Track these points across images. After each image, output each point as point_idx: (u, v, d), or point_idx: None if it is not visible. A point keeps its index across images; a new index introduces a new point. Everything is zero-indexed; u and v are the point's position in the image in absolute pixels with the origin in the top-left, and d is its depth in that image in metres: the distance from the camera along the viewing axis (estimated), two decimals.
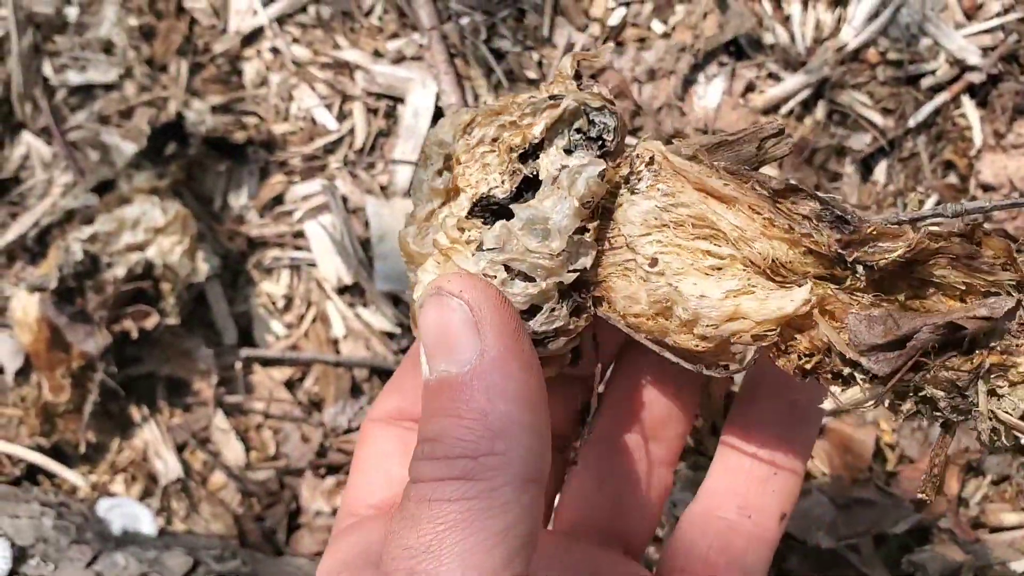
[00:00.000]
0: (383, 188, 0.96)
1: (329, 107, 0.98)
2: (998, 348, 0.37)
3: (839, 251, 0.38)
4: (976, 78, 0.90)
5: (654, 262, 0.41)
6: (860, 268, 0.38)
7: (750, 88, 0.93)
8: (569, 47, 0.94)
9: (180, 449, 0.93)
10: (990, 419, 0.37)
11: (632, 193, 0.42)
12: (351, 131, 0.97)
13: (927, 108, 0.91)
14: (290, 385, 0.95)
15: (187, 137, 0.94)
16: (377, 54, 0.97)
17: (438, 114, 0.95)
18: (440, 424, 0.37)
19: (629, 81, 0.93)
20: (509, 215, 0.41)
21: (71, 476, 0.92)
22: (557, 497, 0.55)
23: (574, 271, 0.41)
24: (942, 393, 0.38)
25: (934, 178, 0.91)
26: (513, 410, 0.36)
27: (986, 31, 0.91)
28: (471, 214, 0.41)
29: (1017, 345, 0.37)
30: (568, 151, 0.42)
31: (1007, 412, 0.37)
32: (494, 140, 0.43)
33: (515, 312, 0.40)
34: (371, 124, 0.97)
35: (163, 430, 0.93)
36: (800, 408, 0.50)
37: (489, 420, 0.36)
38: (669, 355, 0.42)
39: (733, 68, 0.93)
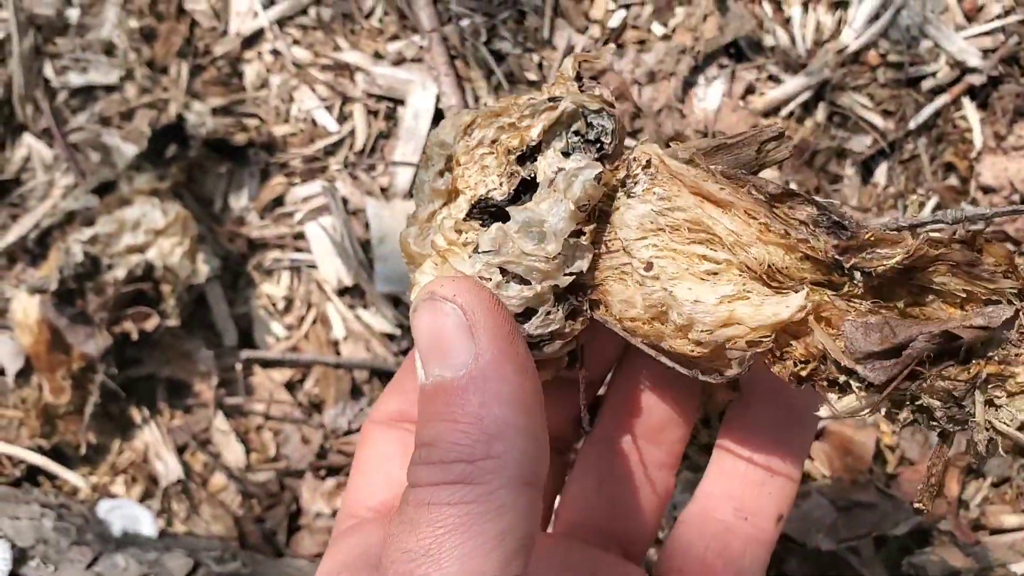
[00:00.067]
0: (383, 190, 0.96)
1: (329, 109, 0.98)
2: (996, 358, 0.37)
3: (836, 257, 0.38)
4: (976, 80, 0.90)
5: (649, 266, 0.41)
6: (858, 275, 0.38)
7: (750, 90, 0.93)
8: (569, 49, 0.94)
9: (180, 451, 0.94)
10: (987, 430, 0.37)
11: (628, 196, 0.42)
12: (351, 133, 0.97)
13: (928, 110, 0.91)
14: (290, 387, 0.95)
15: (188, 139, 0.94)
16: (377, 56, 0.97)
17: (438, 116, 0.95)
18: (436, 429, 0.37)
19: (629, 83, 0.93)
20: (507, 217, 0.41)
21: (71, 477, 0.92)
22: (557, 499, 0.55)
23: (570, 274, 0.41)
24: (938, 403, 0.38)
25: (935, 180, 0.91)
26: (509, 414, 0.36)
27: (986, 33, 0.91)
28: (469, 216, 0.41)
29: (1016, 355, 0.37)
30: (566, 153, 0.41)
31: (1004, 423, 0.37)
32: (493, 142, 0.43)
33: (509, 315, 0.39)
34: (371, 126, 0.97)
35: (163, 432, 0.93)
36: (796, 411, 0.50)
37: (485, 424, 0.36)
38: (665, 360, 0.42)
39: (733, 70, 0.93)
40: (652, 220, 0.41)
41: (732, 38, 0.92)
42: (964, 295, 0.38)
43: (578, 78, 0.44)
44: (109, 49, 0.99)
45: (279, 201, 0.98)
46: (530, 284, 0.40)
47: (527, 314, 0.41)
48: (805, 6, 0.93)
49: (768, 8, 0.94)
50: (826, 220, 0.39)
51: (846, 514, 0.82)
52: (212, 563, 0.80)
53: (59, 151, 0.97)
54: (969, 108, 0.91)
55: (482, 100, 0.94)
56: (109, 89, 0.99)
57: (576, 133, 0.42)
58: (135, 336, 0.89)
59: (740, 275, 0.40)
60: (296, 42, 0.99)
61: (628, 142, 0.47)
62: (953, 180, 0.91)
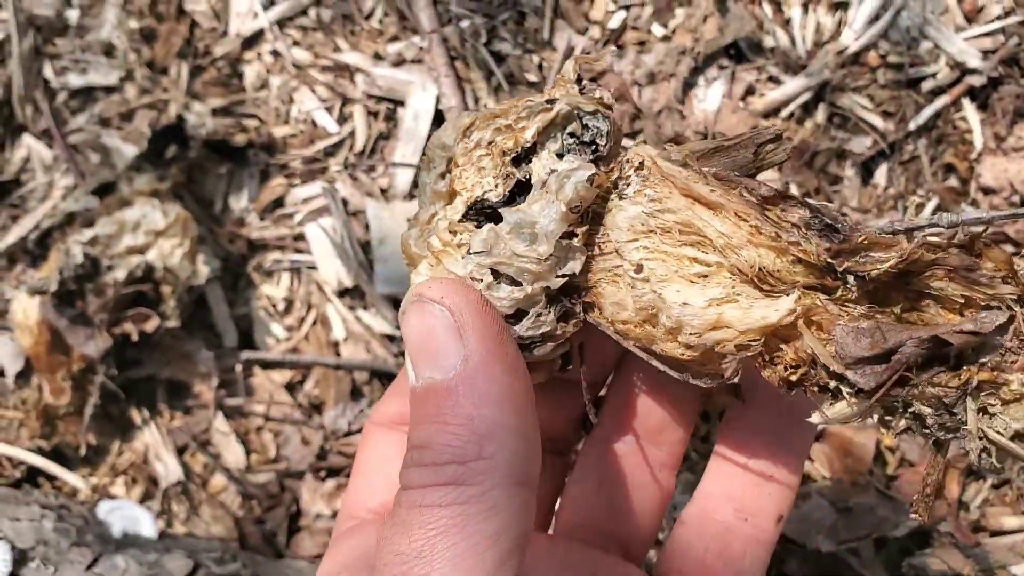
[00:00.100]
0: (383, 191, 0.96)
1: (329, 110, 0.98)
2: (988, 364, 0.36)
3: (828, 260, 0.37)
4: (977, 81, 0.90)
5: (639, 268, 0.40)
6: (851, 279, 0.37)
7: (750, 91, 0.93)
8: (569, 50, 0.94)
9: (180, 452, 0.94)
10: (980, 438, 0.36)
11: (620, 198, 0.41)
12: (351, 134, 0.97)
13: (928, 111, 0.91)
14: (290, 388, 0.95)
15: (188, 140, 0.94)
16: (377, 57, 0.97)
17: (438, 117, 0.95)
18: (428, 431, 0.37)
19: (629, 84, 0.93)
20: (502, 219, 0.41)
21: (71, 478, 0.92)
22: (558, 501, 0.55)
23: (562, 276, 0.41)
24: (929, 410, 0.37)
25: (935, 181, 0.91)
26: (499, 414, 0.36)
27: (986, 34, 0.91)
28: (465, 217, 0.41)
29: (1009, 362, 0.36)
30: (561, 155, 0.41)
31: (998, 432, 0.36)
32: (490, 143, 0.42)
33: (498, 316, 0.39)
34: (371, 127, 0.97)
35: (163, 433, 0.93)
36: (796, 412, 0.50)
37: (476, 425, 0.36)
38: (657, 363, 0.42)
39: (733, 71, 0.93)
40: (643, 222, 0.41)
41: (732, 39, 0.92)
42: (962, 301, 0.37)
43: (579, 80, 0.44)
44: (109, 50, 0.99)
45: (279, 202, 0.98)
46: (521, 285, 0.40)
47: (518, 315, 0.41)
48: (805, 7, 0.93)
49: (768, 9, 0.94)
50: (818, 223, 0.38)
51: (846, 515, 0.82)
52: (212, 564, 0.80)
53: (59, 152, 0.97)
54: (969, 109, 0.91)
55: (482, 101, 0.94)
56: (109, 90, 0.99)
57: (571, 135, 0.42)
58: (135, 337, 0.89)
59: (731, 278, 0.39)
60: (296, 43, 0.99)
61: (628, 143, 0.47)
62: (953, 181, 0.91)
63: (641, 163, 0.41)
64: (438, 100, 0.95)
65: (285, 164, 0.97)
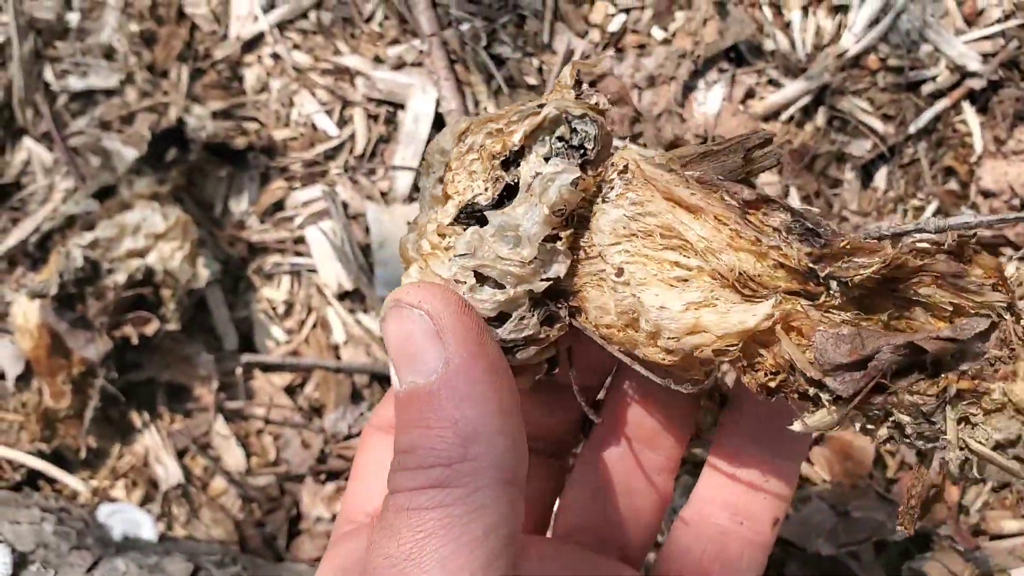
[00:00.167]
0: (383, 194, 0.96)
1: (329, 113, 0.98)
2: (969, 373, 0.35)
3: (810, 265, 0.37)
4: (976, 84, 0.90)
5: (620, 272, 0.40)
6: (834, 284, 0.37)
7: (750, 94, 0.93)
8: (569, 53, 0.94)
9: (181, 455, 0.94)
10: (960, 448, 0.35)
11: (604, 202, 0.41)
12: (351, 137, 0.97)
13: (927, 114, 0.91)
14: (291, 391, 0.95)
15: (188, 143, 0.94)
16: (378, 60, 0.97)
17: (438, 120, 0.95)
18: (412, 435, 0.37)
19: (629, 87, 0.93)
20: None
21: (72, 481, 0.92)
22: (556, 504, 0.55)
23: (546, 279, 0.41)
24: (908, 418, 0.36)
25: (935, 184, 0.91)
26: (483, 415, 0.36)
27: (986, 37, 0.91)
28: (456, 220, 0.41)
29: (991, 371, 0.35)
30: (549, 159, 0.41)
31: (979, 442, 0.35)
32: (480, 147, 0.43)
33: (478, 317, 0.39)
34: (371, 130, 0.97)
35: (164, 436, 0.93)
36: (792, 414, 0.50)
37: (459, 427, 0.36)
38: (640, 368, 0.42)
39: (733, 74, 0.93)
40: (625, 225, 0.40)
41: (732, 42, 0.92)
42: (950, 308, 0.36)
43: (577, 85, 0.44)
44: (109, 53, 0.99)
45: (279, 205, 0.98)
46: (504, 288, 0.40)
47: (501, 318, 0.41)
48: (805, 10, 0.93)
49: (768, 12, 0.94)
50: (799, 227, 0.37)
51: (846, 519, 0.82)
52: (212, 567, 0.80)
53: (59, 155, 0.98)
54: (969, 112, 0.91)
55: (482, 104, 0.94)
56: (109, 93, 0.99)
57: (560, 139, 0.42)
58: (135, 340, 0.89)
59: (711, 282, 0.39)
60: (296, 46, 0.99)
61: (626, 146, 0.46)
62: (953, 184, 0.91)
63: (625, 167, 0.41)
64: (438, 103, 0.95)
65: (285, 167, 0.98)
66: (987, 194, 0.90)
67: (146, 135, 0.94)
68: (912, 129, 0.91)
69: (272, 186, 0.98)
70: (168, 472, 0.92)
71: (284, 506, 0.92)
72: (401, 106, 0.97)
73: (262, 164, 0.98)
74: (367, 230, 0.94)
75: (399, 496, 0.37)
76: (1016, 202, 0.89)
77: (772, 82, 0.93)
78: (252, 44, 0.99)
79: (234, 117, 0.98)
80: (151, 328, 0.89)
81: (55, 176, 0.98)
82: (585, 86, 0.44)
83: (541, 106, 0.42)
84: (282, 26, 0.99)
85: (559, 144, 0.41)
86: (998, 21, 0.91)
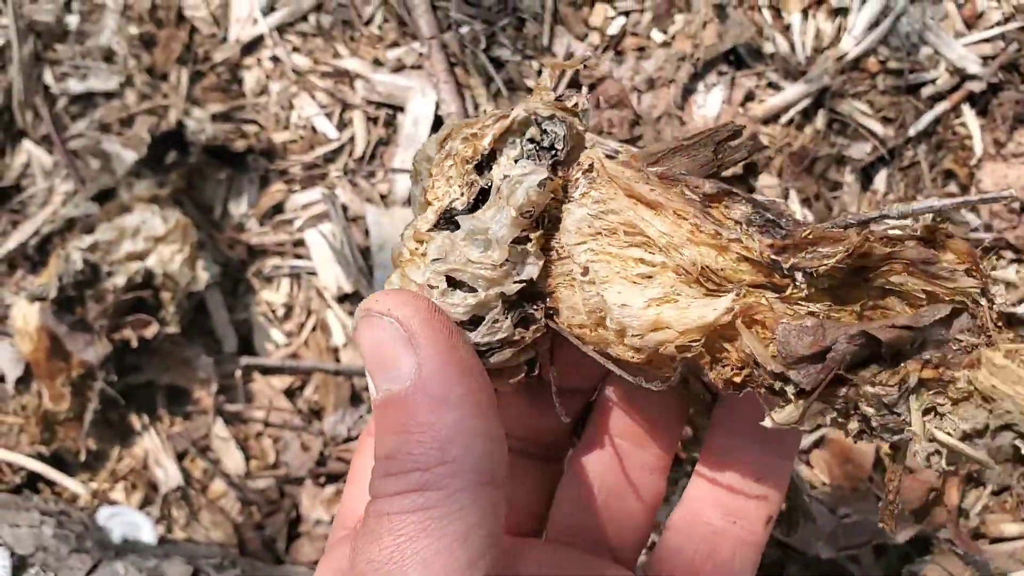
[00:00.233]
0: (383, 197, 0.96)
1: (329, 116, 0.98)
2: (932, 361, 0.34)
3: (773, 257, 0.36)
4: (976, 87, 0.90)
5: (586, 271, 0.40)
6: (799, 275, 0.36)
7: (750, 97, 0.93)
8: (569, 56, 0.94)
9: (180, 457, 0.94)
10: (929, 440, 0.35)
11: (569, 201, 0.41)
12: (351, 140, 0.97)
13: (927, 117, 0.91)
14: (290, 394, 0.95)
15: (187, 145, 0.94)
16: (377, 63, 0.97)
17: (438, 123, 0.95)
18: (391, 442, 0.37)
19: (628, 90, 0.93)
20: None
21: (71, 484, 0.92)
22: (550, 507, 0.55)
23: (519, 282, 0.41)
24: (872, 410, 0.35)
25: (934, 187, 0.91)
26: (460, 417, 0.37)
27: (986, 40, 0.91)
28: (436, 226, 0.41)
29: (955, 358, 0.34)
30: (519, 161, 0.41)
31: (947, 432, 0.34)
32: (456, 153, 0.43)
33: (448, 320, 0.39)
34: (371, 133, 0.97)
35: (163, 438, 0.94)
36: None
37: (436, 431, 0.36)
38: (614, 368, 0.41)
39: (733, 77, 0.93)
40: (589, 224, 0.40)
41: (731, 45, 0.92)
42: (923, 296, 0.35)
43: (575, 85, 0.44)
44: (109, 55, 0.99)
45: (279, 208, 0.98)
46: (475, 291, 0.40)
47: (475, 322, 0.41)
48: (805, 13, 0.93)
49: (767, 15, 0.94)
50: (759, 218, 0.37)
51: (846, 522, 0.82)
52: (211, 570, 0.80)
53: (59, 158, 0.98)
54: (969, 115, 0.91)
55: (482, 107, 0.94)
56: (109, 96, 0.99)
57: (531, 140, 0.42)
58: (135, 343, 0.89)
59: (675, 278, 0.38)
60: (296, 49, 0.99)
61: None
62: (953, 187, 0.91)
63: (590, 166, 0.41)
64: (437, 106, 0.95)
65: (285, 170, 0.98)
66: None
67: (146, 138, 0.94)
68: (912, 132, 0.91)
69: (272, 189, 0.98)
70: (167, 475, 0.92)
71: (283, 509, 0.92)
72: (401, 109, 0.97)
73: (261, 167, 0.98)
74: (367, 233, 0.94)
75: (379, 502, 0.37)
76: (1016, 205, 0.89)
77: (772, 85, 0.93)
78: (252, 47, 0.99)
79: (234, 120, 0.98)
80: (151, 331, 0.89)
81: (55, 179, 0.98)
82: (567, 89, 0.44)
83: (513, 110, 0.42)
84: (282, 29, 0.99)
85: (530, 146, 0.42)
86: (998, 24, 0.91)
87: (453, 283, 0.41)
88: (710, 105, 0.93)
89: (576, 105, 0.42)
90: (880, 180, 0.92)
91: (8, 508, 0.81)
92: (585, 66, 0.93)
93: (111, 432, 0.94)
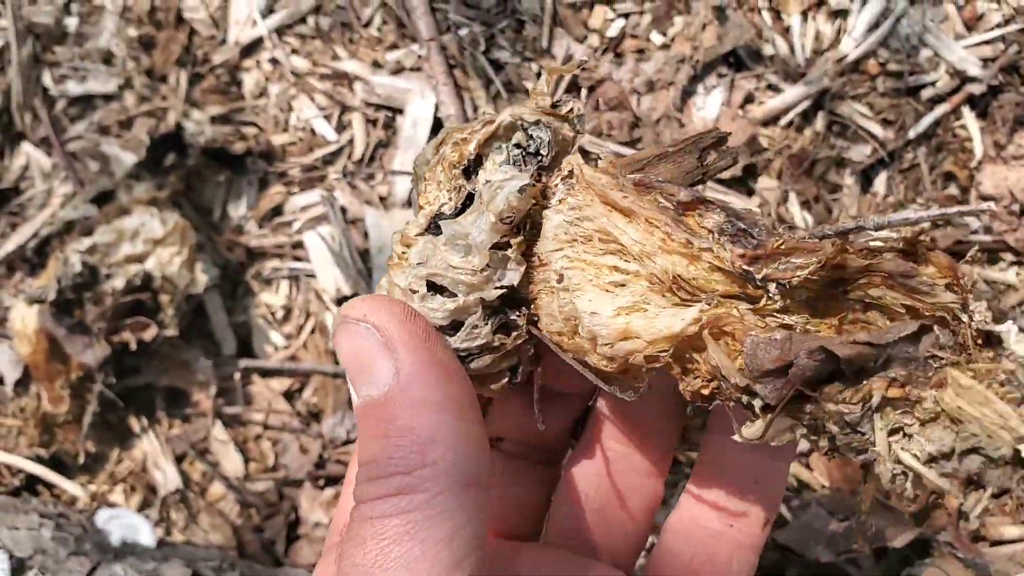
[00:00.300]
0: (382, 199, 0.96)
1: (328, 118, 0.98)
2: (898, 380, 0.33)
3: (744, 268, 0.35)
4: (976, 89, 0.90)
5: (561, 277, 0.40)
6: (772, 287, 0.35)
7: (749, 99, 0.93)
8: (568, 58, 0.93)
9: (179, 460, 0.93)
10: (895, 461, 0.33)
11: (547, 208, 0.41)
12: (350, 142, 0.97)
13: (927, 119, 0.91)
14: (289, 396, 0.95)
15: (186, 147, 0.94)
16: (376, 65, 0.97)
17: (437, 125, 0.95)
18: (373, 447, 0.37)
19: (628, 92, 0.93)
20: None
21: (70, 486, 0.92)
22: (548, 510, 0.55)
23: (500, 288, 0.41)
24: (836, 428, 0.34)
25: (934, 190, 0.91)
26: (440, 420, 0.37)
27: (986, 42, 0.91)
28: (426, 231, 0.41)
29: (923, 377, 0.33)
30: (504, 166, 0.41)
31: (914, 454, 0.33)
32: (445, 158, 0.43)
33: (426, 324, 0.39)
34: (370, 135, 0.97)
35: (162, 441, 0.93)
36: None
37: (416, 434, 0.36)
38: (590, 376, 0.41)
39: (732, 79, 0.93)
40: (565, 231, 0.40)
41: (731, 47, 0.92)
42: (903, 310, 0.34)
43: (576, 88, 0.43)
44: (108, 58, 0.99)
45: (278, 210, 0.98)
46: (455, 296, 0.40)
47: (455, 327, 0.41)
48: (804, 15, 0.93)
49: (767, 17, 0.93)
50: (731, 228, 0.36)
51: (845, 525, 0.82)
52: (210, 573, 0.80)
53: (58, 160, 0.97)
54: (969, 117, 0.91)
55: (481, 109, 0.94)
56: (108, 98, 0.99)
57: (517, 145, 0.42)
58: (133, 346, 0.89)
59: (647, 286, 0.37)
60: (295, 51, 0.99)
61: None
62: (953, 190, 0.91)
63: (569, 172, 0.41)
64: (437, 108, 0.95)
65: (284, 172, 0.97)
66: (987, 199, 0.90)
67: (145, 140, 0.94)
68: (912, 134, 0.91)
69: (271, 191, 0.97)
70: (166, 477, 0.92)
71: (282, 511, 0.92)
72: (400, 111, 0.96)
73: (260, 169, 0.97)
74: (366, 235, 0.94)
75: (363, 506, 0.37)
76: (1016, 207, 0.89)
77: (771, 87, 0.93)
78: (251, 49, 0.99)
79: (233, 122, 0.98)
80: (149, 333, 0.89)
81: (53, 181, 0.98)
82: (562, 94, 0.44)
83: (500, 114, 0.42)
84: (281, 31, 0.99)
85: (516, 151, 0.42)
86: (998, 26, 0.91)
87: (434, 288, 0.40)
88: (709, 107, 0.93)
89: (572, 110, 0.42)
90: (880, 182, 0.92)
91: (7, 511, 0.81)
92: (584, 69, 0.93)
93: (110, 434, 0.94)
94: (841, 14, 0.93)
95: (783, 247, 0.35)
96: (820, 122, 0.92)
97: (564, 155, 0.42)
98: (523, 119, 0.41)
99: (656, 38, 0.94)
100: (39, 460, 0.91)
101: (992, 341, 0.34)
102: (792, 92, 0.91)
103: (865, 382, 0.33)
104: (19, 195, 0.98)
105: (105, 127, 0.98)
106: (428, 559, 0.35)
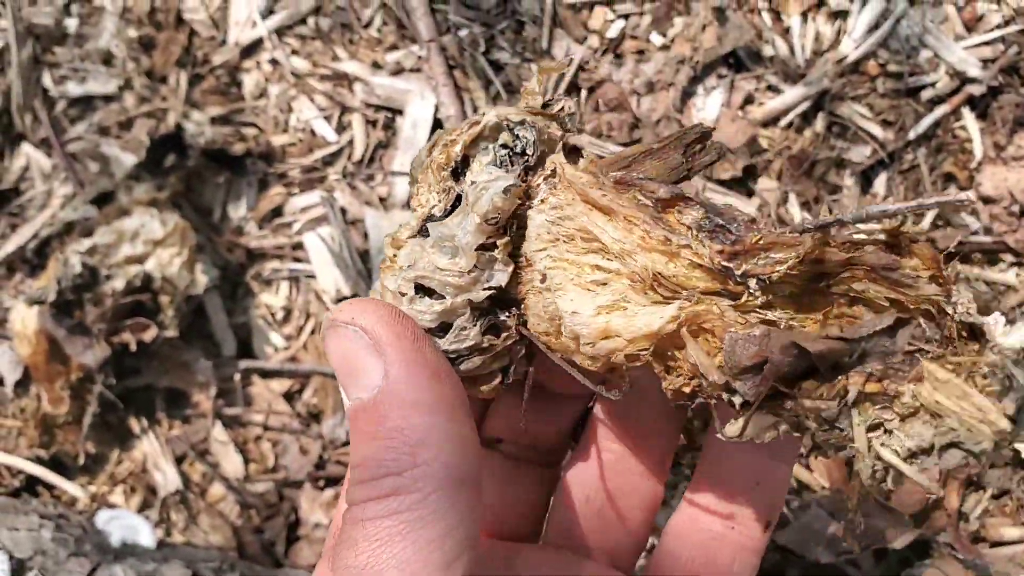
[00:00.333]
0: (382, 200, 0.96)
1: (328, 119, 0.98)
2: (875, 374, 0.33)
3: (723, 264, 0.35)
4: (976, 90, 0.90)
5: (544, 277, 0.40)
6: (752, 282, 0.34)
7: (749, 100, 0.93)
8: (568, 60, 0.93)
9: (179, 461, 0.93)
10: (875, 458, 0.33)
11: (531, 208, 0.41)
12: (350, 143, 0.97)
13: (927, 120, 0.91)
14: (289, 397, 0.95)
15: (186, 148, 0.94)
16: (376, 66, 0.97)
17: (437, 126, 0.95)
18: (363, 449, 0.37)
19: (628, 93, 0.93)
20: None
21: (70, 487, 0.92)
22: (547, 512, 0.55)
23: (489, 288, 0.40)
24: (814, 424, 0.34)
25: (934, 190, 0.91)
26: (429, 420, 0.37)
27: (986, 43, 0.91)
28: (418, 233, 0.41)
29: (901, 371, 0.32)
30: (490, 166, 0.41)
31: (894, 450, 0.33)
32: (433, 160, 0.43)
33: (414, 325, 0.39)
34: (370, 136, 0.97)
35: (162, 442, 0.93)
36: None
37: (406, 435, 0.36)
38: (578, 375, 0.40)
39: (732, 80, 0.93)
40: (548, 230, 0.40)
41: (731, 48, 0.92)
42: (887, 304, 0.34)
43: (573, 88, 0.43)
44: (108, 59, 0.99)
45: (278, 211, 0.98)
46: (443, 298, 0.40)
47: (444, 329, 0.41)
48: (804, 16, 0.93)
49: (767, 18, 0.93)
50: (709, 223, 0.36)
51: (846, 526, 0.82)
52: (210, 574, 0.80)
53: (58, 161, 0.97)
54: (969, 118, 0.91)
55: (480, 110, 0.94)
56: (108, 99, 0.99)
57: (504, 146, 0.42)
58: (133, 347, 0.89)
59: (628, 285, 0.37)
60: (295, 52, 0.99)
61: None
62: (953, 191, 0.91)
63: (553, 171, 0.41)
64: (436, 109, 0.95)
65: (284, 173, 0.97)
66: (987, 200, 0.90)
67: (144, 141, 0.94)
68: (912, 135, 0.91)
69: (270, 192, 0.97)
70: (166, 478, 0.92)
71: (282, 512, 0.92)
72: (400, 112, 0.96)
73: (260, 170, 0.97)
74: (365, 236, 0.94)
75: (355, 508, 0.37)
76: (1016, 208, 0.89)
77: (771, 88, 0.93)
78: (251, 50, 0.99)
79: (233, 123, 0.98)
80: (149, 334, 0.89)
81: (53, 182, 0.98)
82: (555, 93, 0.44)
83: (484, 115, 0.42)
84: (281, 32, 0.99)
85: (503, 152, 0.41)
86: (998, 27, 0.91)
87: (423, 290, 0.40)
88: (709, 108, 0.93)
89: (563, 109, 0.42)
90: (880, 183, 0.92)
91: (7, 512, 0.81)
92: (582, 69, 0.93)
93: (110, 435, 0.94)
94: (841, 15, 0.93)
95: (761, 242, 0.34)
96: (820, 123, 0.92)
97: (550, 154, 0.42)
98: (508, 119, 0.41)
99: (656, 39, 0.94)
100: (39, 461, 0.91)
101: (977, 333, 0.33)
102: (792, 93, 0.91)
103: (840, 378, 0.33)
104: (19, 196, 0.98)
105: (105, 128, 0.98)
106: (420, 559, 0.35)
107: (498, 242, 0.40)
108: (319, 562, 0.47)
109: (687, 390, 0.37)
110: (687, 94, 0.93)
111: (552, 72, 0.44)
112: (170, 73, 0.99)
